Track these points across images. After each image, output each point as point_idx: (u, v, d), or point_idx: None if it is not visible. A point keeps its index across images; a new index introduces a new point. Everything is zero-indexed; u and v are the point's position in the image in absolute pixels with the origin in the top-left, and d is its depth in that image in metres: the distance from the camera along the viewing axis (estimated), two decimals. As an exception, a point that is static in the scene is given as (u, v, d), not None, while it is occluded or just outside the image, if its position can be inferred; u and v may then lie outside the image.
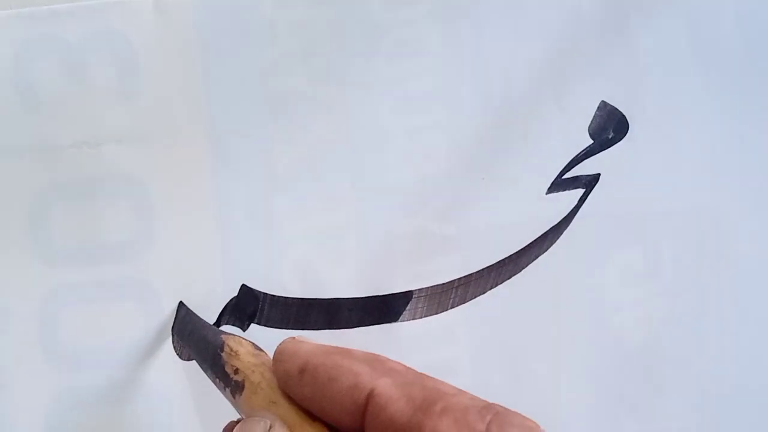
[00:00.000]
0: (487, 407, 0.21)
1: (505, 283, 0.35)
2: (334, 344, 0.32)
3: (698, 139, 0.37)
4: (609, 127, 0.36)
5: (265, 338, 0.34)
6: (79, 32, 0.35)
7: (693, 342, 0.36)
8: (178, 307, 0.33)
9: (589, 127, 0.36)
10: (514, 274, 0.35)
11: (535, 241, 0.35)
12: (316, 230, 0.35)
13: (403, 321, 0.35)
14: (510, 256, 0.35)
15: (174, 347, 0.34)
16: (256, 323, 0.34)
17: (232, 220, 0.35)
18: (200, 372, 0.34)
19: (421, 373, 0.23)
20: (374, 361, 0.23)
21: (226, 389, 0.27)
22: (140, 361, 0.34)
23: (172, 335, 0.33)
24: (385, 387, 0.22)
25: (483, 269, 0.35)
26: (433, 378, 0.23)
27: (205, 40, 0.35)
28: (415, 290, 0.35)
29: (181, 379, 0.34)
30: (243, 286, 0.34)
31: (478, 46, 0.36)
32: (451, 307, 0.35)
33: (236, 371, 0.26)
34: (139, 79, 0.35)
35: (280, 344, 0.25)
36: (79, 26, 0.35)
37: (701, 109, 0.37)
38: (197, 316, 0.33)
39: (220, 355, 0.27)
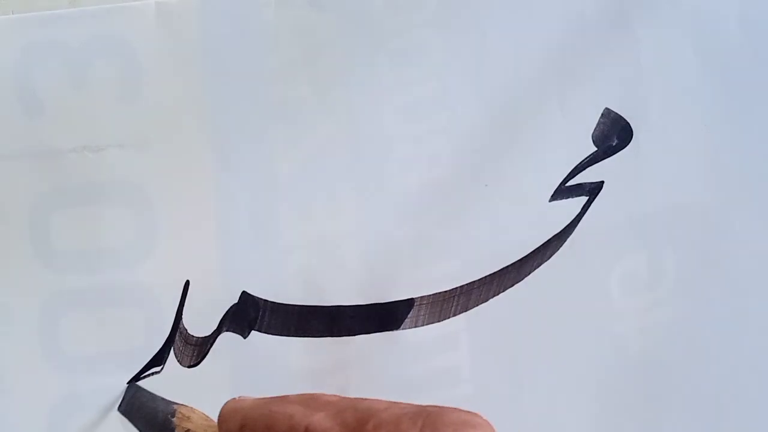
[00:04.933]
0: (419, 412, 0.22)
1: (507, 291, 0.35)
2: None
3: (703, 146, 0.36)
4: (613, 135, 0.36)
5: (266, 345, 0.34)
6: (81, 37, 0.35)
7: (696, 350, 0.36)
8: (128, 387, 0.34)
9: (592, 134, 0.36)
10: (517, 282, 0.35)
11: (538, 248, 0.35)
12: (318, 237, 0.35)
13: (405, 328, 0.35)
14: (513, 263, 0.35)
15: (175, 353, 0.34)
16: (257, 330, 0.34)
17: (233, 226, 0.35)
18: (201, 377, 0.34)
19: (354, 399, 0.24)
20: (308, 401, 0.24)
21: None
22: (141, 366, 0.34)
23: (119, 410, 0.34)
24: (318, 421, 0.23)
25: (485, 277, 0.35)
26: (368, 399, 0.23)
27: (207, 44, 0.35)
28: (417, 298, 0.35)
29: (181, 385, 0.34)
30: (243, 292, 0.34)
31: (481, 53, 0.36)
32: (453, 315, 0.35)
33: (188, 431, 0.29)
34: (141, 83, 0.35)
35: (222, 407, 0.26)
36: (81, 31, 0.35)
37: (706, 117, 0.37)
38: (149, 392, 0.33)
39: (171, 420, 0.30)
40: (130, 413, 0.33)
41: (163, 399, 0.32)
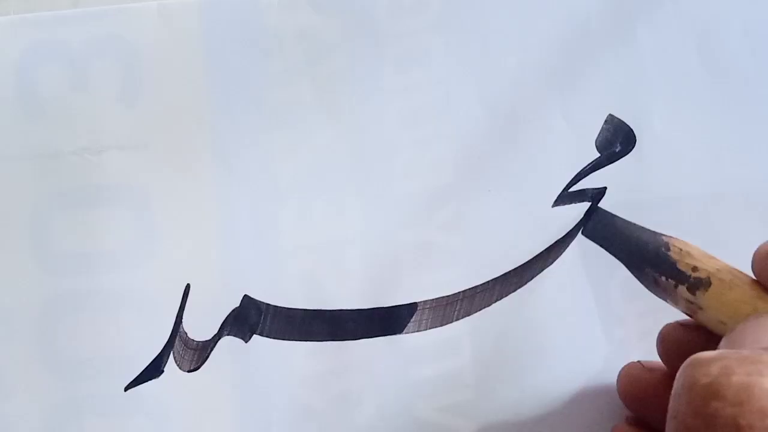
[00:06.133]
0: None
1: (510, 295, 0.35)
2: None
3: (706, 152, 0.37)
4: (616, 141, 0.36)
5: (268, 349, 0.34)
6: (82, 38, 0.35)
7: (698, 357, 0.36)
8: (595, 210, 0.32)
9: (596, 140, 0.36)
10: (519, 287, 0.35)
11: (540, 254, 0.35)
12: (320, 241, 0.35)
13: (408, 333, 0.35)
14: (515, 268, 0.35)
15: (175, 357, 0.34)
16: (258, 334, 0.34)
17: (234, 229, 0.34)
18: (201, 382, 0.33)
19: None
20: None
21: (678, 286, 0.28)
22: (140, 371, 0.34)
23: (583, 233, 0.33)
24: None
25: (488, 282, 0.35)
26: None
27: (209, 47, 0.35)
28: (420, 302, 0.35)
29: (181, 390, 0.34)
30: (245, 296, 0.34)
31: (484, 57, 0.36)
32: (456, 320, 0.35)
33: (695, 269, 0.28)
34: (142, 86, 0.35)
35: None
36: (82, 32, 0.35)
37: (709, 123, 0.37)
38: (624, 219, 0.32)
39: (667, 254, 0.29)
40: (601, 238, 0.32)
41: (644, 228, 0.31)
